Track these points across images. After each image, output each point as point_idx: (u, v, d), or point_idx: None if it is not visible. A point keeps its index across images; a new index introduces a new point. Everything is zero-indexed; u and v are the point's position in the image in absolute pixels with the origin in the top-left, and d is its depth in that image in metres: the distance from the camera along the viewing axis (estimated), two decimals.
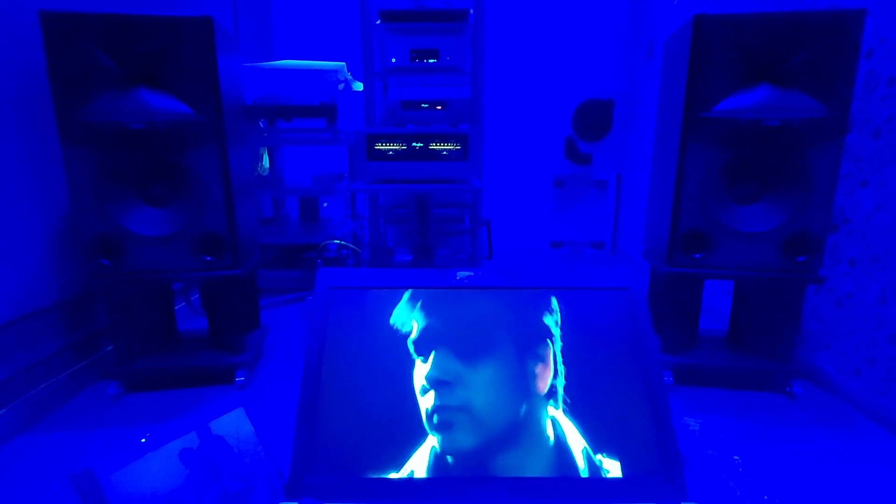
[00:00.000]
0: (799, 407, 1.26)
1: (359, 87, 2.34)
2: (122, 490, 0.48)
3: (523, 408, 0.63)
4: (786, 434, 1.14)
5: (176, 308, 1.54)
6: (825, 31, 1.07)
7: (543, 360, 0.66)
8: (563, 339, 0.68)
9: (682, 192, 1.21)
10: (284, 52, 2.91)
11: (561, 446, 0.62)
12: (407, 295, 0.70)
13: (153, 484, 0.51)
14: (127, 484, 0.49)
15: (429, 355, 0.66)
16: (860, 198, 1.25)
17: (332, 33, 2.89)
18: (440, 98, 2.04)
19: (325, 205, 2.79)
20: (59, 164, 1.26)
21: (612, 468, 0.61)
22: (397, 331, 0.68)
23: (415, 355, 0.66)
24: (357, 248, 2.31)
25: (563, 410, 0.64)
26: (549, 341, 0.67)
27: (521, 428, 0.63)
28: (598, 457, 0.62)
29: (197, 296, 1.86)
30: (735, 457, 0.78)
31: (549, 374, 0.65)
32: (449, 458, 0.61)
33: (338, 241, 2.12)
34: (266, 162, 2.52)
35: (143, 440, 0.52)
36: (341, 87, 2.20)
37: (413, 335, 0.67)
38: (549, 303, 0.70)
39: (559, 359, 0.66)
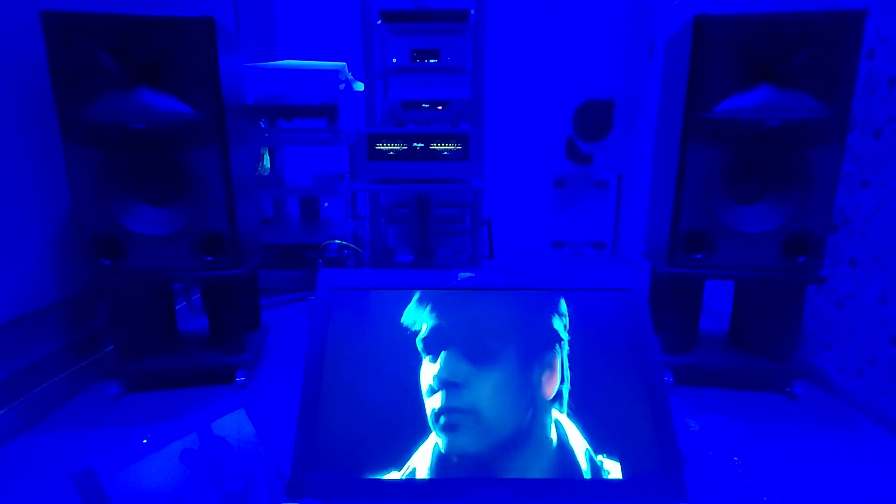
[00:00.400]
0: (800, 407, 1.26)
1: (360, 87, 2.34)
2: (123, 490, 0.48)
3: (529, 413, 0.64)
4: (786, 434, 1.14)
5: (177, 308, 1.54)
6: (826, 32, 1.07)
7: (552, 367, 0.66)
8: (570, 343, 0.68)
9: (682, 192, 1.21)
10: (286, 52, 2.91)
11: (563, 447, 0.62)
12: (416, 296, 0.70)
13: (154, 484, 0.51)
14: (128, 484, 0.49)
15: (437, 356, 0.66)
16: (861, 198, 1.25)
17: (333, 33, 2.89)
18: (441, 98, 2.04)
19: (326, 205, 2.79)
20: (60, 164, 1.27)
21: (613, 469, 0.61)
22: (400, 332, 0.68)
23: (423, 355, 0.66)
24: (358, 248, 2.31)
25: (567, 413, 0.64)
26: (557, 347, 0.67)
27: (527, 431, 0.63)
28: (600, 458, 0.62)
29: (198, 295, 1.86)
30: (735, 458, 0.78)
31: (557, 380, 0.65)
32: (453, 459, 0.61)
33: (339, 241, 2.12)
34: (267, 162, 2.52)
35: (145, 441, 0.52)
36: (342, 87, 2.21)
37: (421, 335, 0.67)
38: (558, 306, 0.70)
39: (566, 364, 0.67)
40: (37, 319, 1.20)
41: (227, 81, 1.19)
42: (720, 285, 1.90)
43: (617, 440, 0.63)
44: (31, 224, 1.19)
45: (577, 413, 0.64)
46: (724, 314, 1.83)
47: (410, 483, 0.60)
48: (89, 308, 1.37)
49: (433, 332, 0.67)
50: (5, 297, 1.12)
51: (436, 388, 0.64)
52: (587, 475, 0.61)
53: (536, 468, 0.61)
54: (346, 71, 2.30)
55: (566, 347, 0.67)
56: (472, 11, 2.01)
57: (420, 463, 0.61)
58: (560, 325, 0.68)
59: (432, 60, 1.99)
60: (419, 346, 0.67)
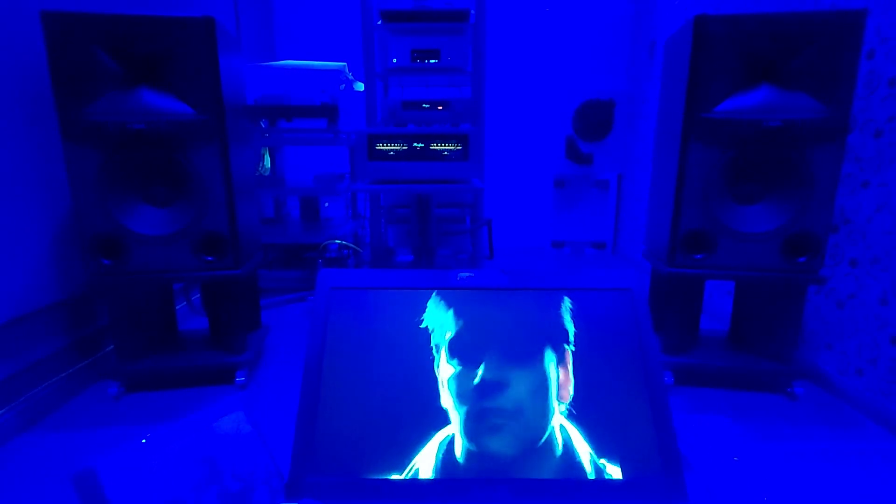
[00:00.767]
0: (800, 407, 1.25)
1: (360, 87, 2.34)
2: (122, 490, 0.48)
3: (550, 414, 0.64)
4: (787, 434, 1.13)
5: (177, 308, 1.54)
6: (826, 32, 1.07)
7: (566, 367, 0.66)
8: (575, 343, 0.68)
9: (683, 192, 1.21)
10: (286, 52, 2.91)
11: (565, 448, 0.62)
12: (417, 297, 0.70)
13: (154, 484, 0.51)
14: (127, 483, 0.49)
15: (474, 359, 0.66)
16: (861, 198, 1.25)
17: (334, 33, 2.89)
18: (441, 98, 2.04)
19: (327, 205, 2.79)
20: (60, 164, 1.27)
21: (614, 469, 0.61)
22: (399, 331, 0.68)
23: (452, 357, 0.66)
24: (358, 248, 2.31)
25: (569, 413, 0.64)
26: (566, 347, 0.67)
27: (540, 431, 0.63)
28: (601, 458, 0.62)
29: (198, 295, 1.86)
30: (735, 458, 0.78)
31: (571, 380, 0.65)
32: (477, 462, 0.61)
33: (339, 241, 2.12)
34: (267, 162, 2.52)
35: (144, 441, 0.52)
36: (342, 87, 2.21)
37: (448, 337, 0.67)
38: (563, 306, 0.70)
39: (572, 364, 0.67)
40: (37, 319, 1.21)
41: (227, 81, 1.19)
42: (720, 285, 1.90)
43: (617, 440, 0.62)
44: (32, 223, 1.19)
45: (578, 413, 0.64)
46: (724, 314, 1.83)
47: (410, 483, 0.60)
48: (89, 308, 1.37)
49: (464, 334, 0.67)
50: (5, 297, 1.12)
51: (477, 389, 0.64)
52: (586, 475, 0.61)
53: (540, 468, 0.61)
54: (347, 71, 2.30)
55: (572, 347, 0.67)
56: (473, 11, 2.01)
57: (423, 463, 0.61)
58: (570, 325, 0.68)
59: (432, 60, 1.99)
60: (445, 348, 0.66)
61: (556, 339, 0.68)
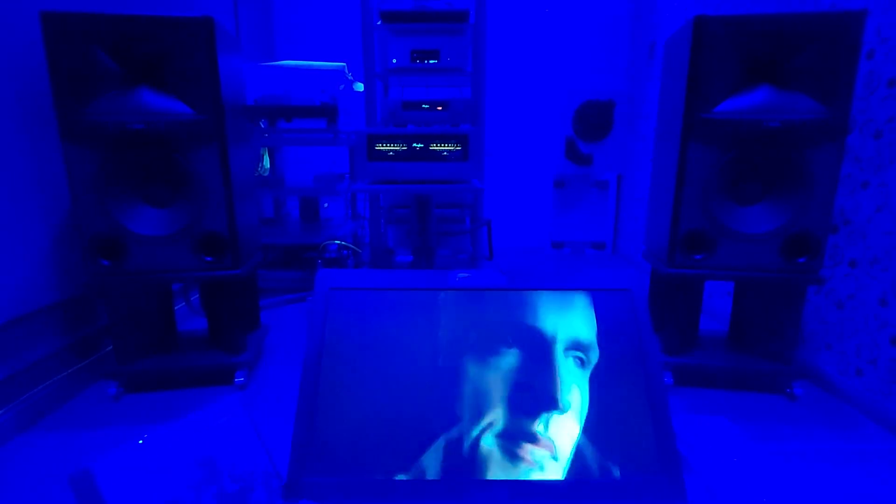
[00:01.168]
0: (799, 408, 1.25)
1: (359, 87, 2.34)
2: (119, 491, 0.48)
3: (552, 413, 0.64)
4: (786, 435, 1.13)
5: (176, 308, 1.54)
6: (826, 33, 1.07)
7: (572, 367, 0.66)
8: (575, 343, 0.68)
9: (682, 192, 1.21)
10: (286, 52, 2.91)
11: (564, 448, 0.62)
12: (415, 297, 0.69)
13: (151, 484, 0.51)
14: (125, 484, 0.49)
15: (498, 356, 0.66)
16: (861, 199, 1.25)
17: (334, 34, 2.89)
18: (441, 98, 2.04)
19: (326, 205, 2.79)
20: (60, 164, 1.27)
21: (613, 469, 0.61)
22: (400, 332, 0.67)
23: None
24: (357, 249, 2.31)
25: (568, 412, 0.64)
26: (565, 345, 0.67)
27: (541, 432, 0.63)
28: (600, 458, 0.61)
29: (197, 296, 1.86)
30: (735, 458, 0.78)
31: (589, 387, 0.65)
32: (469, 461, 0.61)
33: (338, 242, 2.12)
34: (267, 162, 2.52)
35: (141, 441, 0.52)
36: (342, 87, 2.21)
37: (431, 337, 0.67)
38: (562, 306, 0.69)
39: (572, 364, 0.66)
40: (36, 319, 1.20)
41: (226, 81, 1.19)
42: (719, 286, 1.90)
43: (617, 441, 0.62)
44: (31, 224, 1.19)
45: (577, 413, 0.64)
46: (723, 314, 1.83)
47: (409, 483, 0.59)
48: (88, 308, 1.37)
49: (461, 334, 0.67)
50: (4, 297, 1.12)
51: (505, 389, 0.64)
52: (586, 475, 0.60)
53: (536, 468, 0.61)
54: (346, 71, 2.30)
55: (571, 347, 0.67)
56: (472, 12, 2.01)
57: (425, 464, 0.60)
58: (569, 325, 0.68)
59: (432, 61, 1.99)
60: (444, 348, 0.66)
61: (555, 340, 0.68)
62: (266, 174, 2.50)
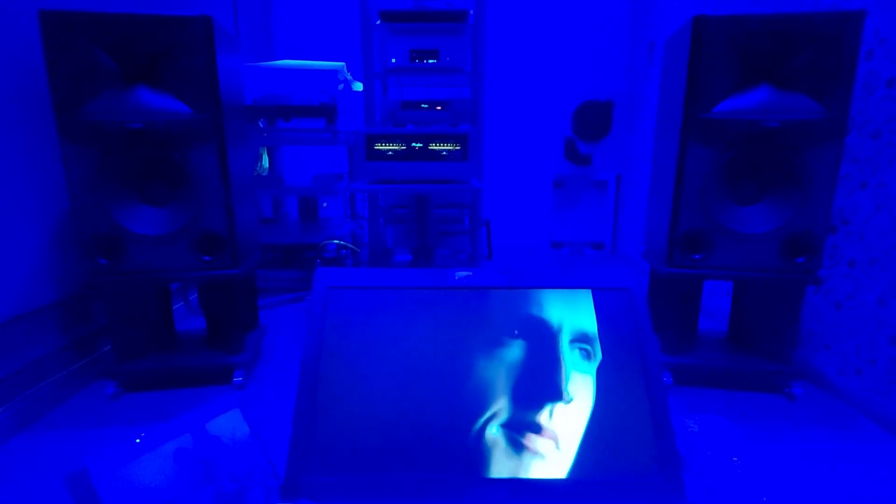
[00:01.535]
0: (798, 408, 1.25)
1: (358, 87, 2.34)
2: (116, 490, 0.48)
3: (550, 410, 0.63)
4: (785, 435, 1.13)
5: (174, 308, 1.54)
6: (825, 33, 1.07)
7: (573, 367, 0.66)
8: (573, 342, 0.67)
9: (681, 192, 1.20)
10: (285, 51, 2.91)
11: (569, 439, 0.62)
12: (414, 296, 0.69)
13: (148, 484, 0.51)
14: (121, 484, 0.49)
15: (506, 350, 0.66)
16: (860, 199, 1.25)
17: (333, 33, 2.89)
18: (440, 98, 2.04)
19: (325, 205, 2.79)
20: (58, 163, 1.26)
21: (614, 467, 0.61)
22: (398, 331, 0.67)
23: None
24: (356, 249, 2.31)
25: (574, 404, 0.64)
26: (564, 345, 0.67)
27: (545, 422, 0.63)
28: (601, 453, 0.61)
29: (195, 295, 1.86)
30: (734, 458, 0.78)
31: (589, 386, 0.65)
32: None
33: (337, 241, 2.12)
34: (266, 162, 2.52)
35: (138, 440, 0.51)
36: (341, 87, 2.20)
37: (431, 337, 0.67)
38: (561, 305, 0.69)
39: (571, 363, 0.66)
40: (34, 319, 1.20)
41: (225, 81, 1.19)
42: (718, 285, 1.90)
43: (616, 440, 0.62)
44: (29, 223, 1.19)
45: (582, 404, 0.64)
46: (722, 314, 1.83)
47: (407, 483, 0.59)
48: (86, 308, 1.37)
49: (459, 333, 0.67)
50: (2, 297, 1.11)
51: (509, 381, 0.64)
52: (584, 475, 0.60)
53: (535, 467, 0.61)
54: (345, 71, 2.30)
55: (570, 347, 0.67)
56: (471, 12, 2.01)
57: (427, 462, 0.60)
58: (568, 325, 0.68)
59: (431, 61, 1.99)
60: (442, 347, 0.66)
61: (560, 331, 0.68)
62: (265, 174, 2.50)
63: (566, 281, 0.71)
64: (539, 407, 0.63)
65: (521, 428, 0.62)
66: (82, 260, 1.16)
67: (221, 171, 1.19)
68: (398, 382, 0.65)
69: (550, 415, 0.63)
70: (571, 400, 0.64)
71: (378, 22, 1.99)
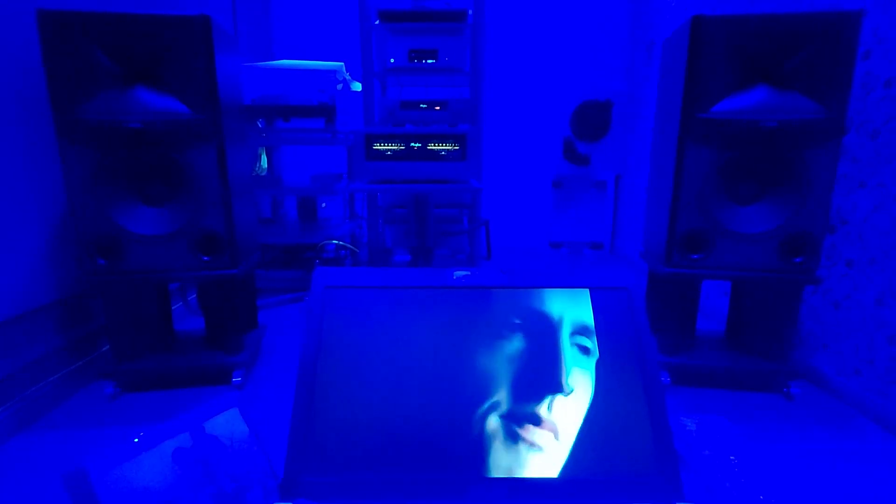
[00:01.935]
0: (797, 407, 1.26)
1: (357, 87, 2.34)
2: (114, 490, 0.48)
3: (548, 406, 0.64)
4: (783, 434, 1.13)
5: (173, 308, 1.54)
6: (823, 33, 1.07)
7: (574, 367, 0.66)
8: (572, 342, 0.68)
9: (680, 192, 1.21)
10: (283, 51, 2.91)
11: (567, 432, 0.62)
12: (413, 295, 0.69)
13: (146, 484, 0.51)
14: (119, 484, 0.49)
15: (508, 348, 0.66)
16: (858, 199, 1.25)
17: (331, 33, 2.89)
18: (439, 98, 2.04)
19: (324, 205, 2.79)
20: (56, 163, 1.26)
21: (611, 465, 0.61)
22: (397, 330, 0.67)
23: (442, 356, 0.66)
24: (355, 249, 2.31)
25: (573, 396, 0.64)
26: (562, 345, 0.67)
27: (544, 414, 0.63)
28: (600, 449, 0.61)
29: (194, 295, 1.86)
30: (732, 457, 0.78)
31: (588, 382, 0.65)
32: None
33: (336, 242, 2.12)
34: (264, 162, 2.52)
35: (136, 440, 0.51)
36: (340, 87, 2.20)
37: (429, 336, 0.67)
38: (561, 305, 0.69)
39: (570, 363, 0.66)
40: (33, 319, 1.20)
41: (224, 81, 1.19)
42: (716, 285, 1.90)
43: (613, 439, 0.62)
44: (27, 223, 1.19)
45: (581, 397, 0.64)
46: (720, 314, 1.83)
47: (406, 481, 0.59)
48: (85, 308, 1.37)
49: (458, 333, 0.67)
50: (1, 297, 1.11)
51: (508, 376, 0.64)
52: (582, 474, 0.60)
53: (533, 467, 0.61)
54: (344, 71, 2.30)
55: (569, 347, 0.67)
56: (470, 12, 2.01)
57: (426, 461, 0.60)
58: (567, 324, 0.68)
59: (430, 61, 1.99)
60: (441, 346, 0.66)
61: (560, 325, 0.68)
62: (264, 174, 2.50)
63: (564, 280, 0.71)
64: (539, 399, 0.63)
65: (520, 420, 0.62)
66: (81, 260, 1.16)
67: (220, 171, 1.19)
68: (396, 381, 0.65)
69: (550, 407, 0.63)
70: (571, 392, 0.64)
71: (377, 22, 1.99)
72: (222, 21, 2.29)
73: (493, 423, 0.62)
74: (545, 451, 0.61)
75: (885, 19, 1.18)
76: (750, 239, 1.20)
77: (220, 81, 1.16)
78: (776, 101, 1.11)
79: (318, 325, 0.67)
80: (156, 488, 0.51)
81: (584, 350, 0.67)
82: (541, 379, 0.64)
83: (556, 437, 0.62)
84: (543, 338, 0.67)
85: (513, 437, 0.62)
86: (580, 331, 0.68)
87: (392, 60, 2.00)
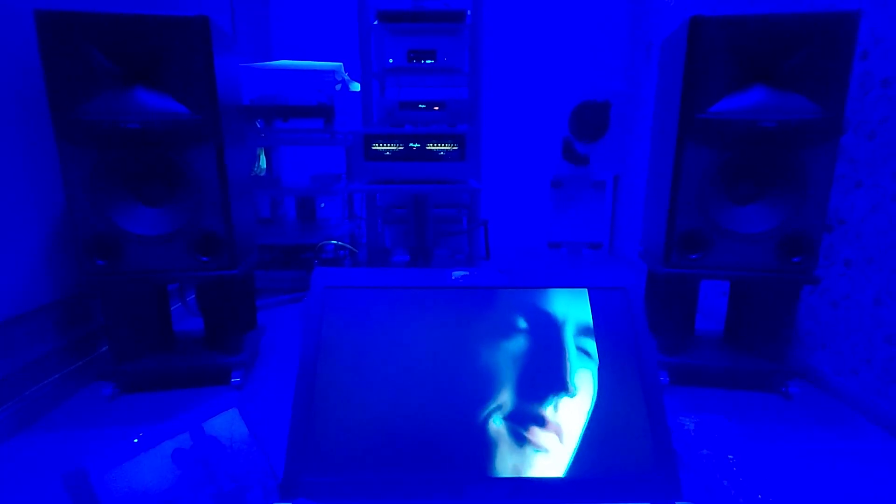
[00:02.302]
0: (795, 407, 1.26)
1: (356, 87, 2.34)
2: (113, 490, 0.48)
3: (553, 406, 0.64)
4: (782, 434, 1.14)
5: (172, 308, 1.54)
6: (820, 33, 1.07)
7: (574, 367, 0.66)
8: (570, 341, 0.68)
9: (678, 193, 1.21)
10: (282, 52, 2.91)
11: (571, 433, 0.62)
12: (414, 295, 0.69)
13: (145, 484, 0.51)
14: (119, 484, 0.49)
15: (509, 348, 0.66)
16: (855, 199, 1.26)
17: (330, 34, 2.89)
18: (438, 98, 2.05)
19: (323, 205, 2.79)
20: (55, 164, 1.26)
21: (612, 465, 0.61)
22: (396, 330, 0.68)
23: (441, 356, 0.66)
24: (354, 249, 2.31)
25: (578, 397, 0.64)
26: (561, 344, 0.67)
27: (549, 415, 0.63)
28: (602, 449, 0.62)
29: (193, 296, 1.86)
30: (730, 456, 0.78)
31: (589, 383, 0.65)
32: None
33: (335, 242, 2.12)
34: (263, 162, 2.52)
35: (136, 440, 0.51)
36: (339, 87, 2.20)
37: (429, 335, 0.67)
38: (560, 304, 0.70)
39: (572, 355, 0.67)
40: (31, 319, 1.20)
41: (222, 81, 1.19)
42: (715, 285, 1.91)
43: (612, 439, 0.63)
44: (26, 223, 1.19)
45: (585, 398, 0.64)
46: (719, 314, 1.84)
47: (407, 481, 0.59)
48: (84, 308, 1.37)
49: (456, 332, 0.67)
50: (0, 297, 1.11)
51: (511, 375, 0.64)
52: (581, 474, 0.61)
53: (532, 466, 0.61)
54: (343, 71, 2.30)
55: (568, 346, 0.68)
56: (469, 12, 2.01)
57: (427, 461, 0.60)
58: (566, 323, 0.69)
59: (429, 61, 1.99)
60: (440, 346, 0.66)
61: (564, 325, 0.68)
62: (262, 174, 2.50)
63: (563, 280, 0.71)
64: (543, 399, 0.63)
65: (524, 421, 0.62)
66: (79, 260, 1.16)
67: (219, 172, 1.19)
68: (396, 381, 0.65)
69: (556, 407, 0.63)
70: (577, 392, 0.64)
71: (375, 22, 1.99)
72: (221, 21, 2.28)
73: (498, 424, 0.63)
74: (550, 453, 0.61)
75: (882, 20, 1.19)
76: (748, 239, 1.20)
77: (218, 82, 1.16)
78: (774, 101, 1.11)
79: (318, 325, 0.67)
80: (155, 489, 0.51)
81: (585, 350, 0.67)
82: (546, 380, 0.65)
83: (561, 438, 0.62)
84: (546, 338, 0.67)
85: (519, 440, 0.62)
86: (580, 331, 0.68)
87: (391, 61, 2.00)
